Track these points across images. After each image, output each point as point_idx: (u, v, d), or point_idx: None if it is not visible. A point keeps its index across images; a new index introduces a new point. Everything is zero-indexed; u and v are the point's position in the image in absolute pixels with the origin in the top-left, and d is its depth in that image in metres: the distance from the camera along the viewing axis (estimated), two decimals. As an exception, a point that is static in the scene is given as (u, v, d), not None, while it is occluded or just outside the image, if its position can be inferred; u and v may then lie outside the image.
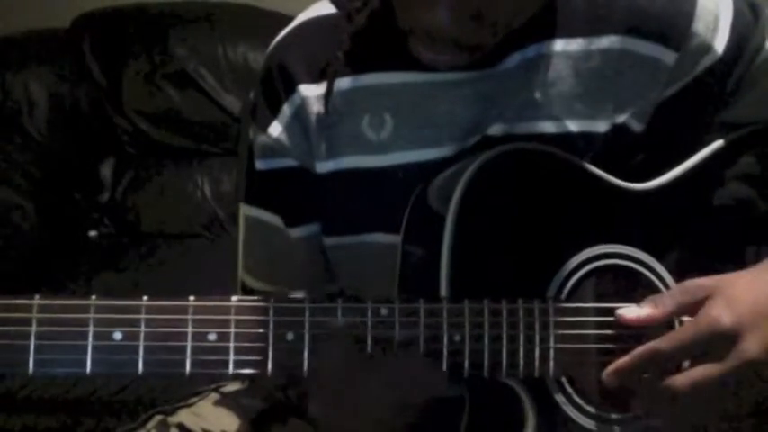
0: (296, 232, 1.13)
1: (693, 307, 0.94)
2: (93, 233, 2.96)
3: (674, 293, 0.98)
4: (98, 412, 2.32)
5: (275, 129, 1.09)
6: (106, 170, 3.02)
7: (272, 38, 1.14)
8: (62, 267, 2.65)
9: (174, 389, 2.22)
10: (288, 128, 1.09)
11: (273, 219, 1.14)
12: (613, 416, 0.99)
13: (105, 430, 2.32)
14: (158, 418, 1.22)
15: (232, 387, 1.28)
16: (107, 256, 2.81)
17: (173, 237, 2.89)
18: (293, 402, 1.20)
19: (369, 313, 0.91)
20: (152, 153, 3.01)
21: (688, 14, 1.05)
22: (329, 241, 1.12)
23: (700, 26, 1.05)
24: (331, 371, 0.90)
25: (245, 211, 1.17)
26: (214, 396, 1.26)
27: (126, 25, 3.01)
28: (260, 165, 1.12)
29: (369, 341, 0.91)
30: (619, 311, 0.96)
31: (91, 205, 2.98)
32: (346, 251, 1.11)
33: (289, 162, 1.11)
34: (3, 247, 2.59)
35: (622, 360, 0.94)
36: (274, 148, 1.10)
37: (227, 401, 1.24)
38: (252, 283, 1.18)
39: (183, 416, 1.21)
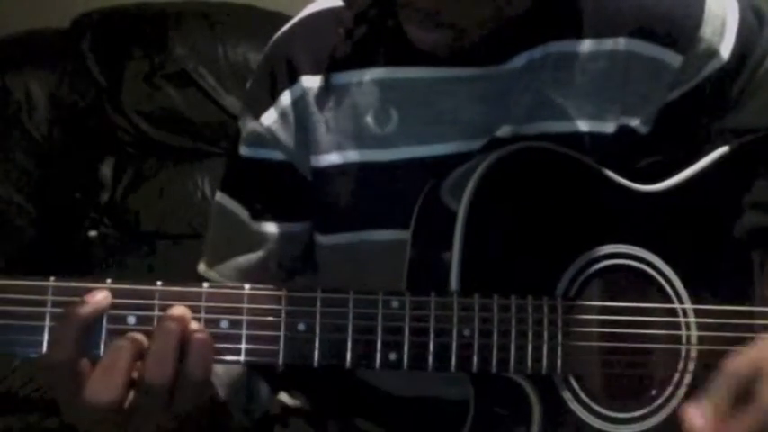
0: (261, 227, 1.13)
1: (744, 388, 0.93)
2: (93, 233, 2.95)
3: (720, 385, 0.95)
4: (98, 412, 2.31)
5: (269, 117, 1.09)
6: (106, 170, 3.01)
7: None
8: (62, 267, 2.62)
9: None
10: (283, 117, 1.09)
11: (237, 209, 1.13)
12: (619, 414, 0.99)
13: (105, 430, 2.31)
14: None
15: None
16: (107, 256, 2.82)
17: (173, 237, 2.89)
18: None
19: (380, 305, 0.91)
20: (152, 153, 3.00)
21: (696, 18, 1.05)
22: (326, 240, 1.11)
23: (707, 30, 1.05)
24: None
25: (217, 197, 1.17)
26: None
27: (126, 25, 3.00)
28: (244, 151, 1.12)
29: (379, 332, 0.91)
30: (688, 419, 0.93)
31: (91, 205, 2.97)
32: (345, 250, 1.11)
33: (275, 155, 1.10)
34: (3, 246, 2.58)
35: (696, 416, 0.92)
36: (264, 138, 1.10)
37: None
38: (204, 271, 1.18)
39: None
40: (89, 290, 0.85)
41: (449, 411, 1.00)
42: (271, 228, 1.13)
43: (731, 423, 0.92)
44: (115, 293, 0.85)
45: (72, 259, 2.74)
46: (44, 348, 0.84)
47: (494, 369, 0.93)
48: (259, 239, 1.13)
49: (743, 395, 0.93)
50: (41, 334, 0.84)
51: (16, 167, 2.77)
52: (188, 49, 2.94)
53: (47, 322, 0.84)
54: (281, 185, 1.11)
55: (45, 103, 2.90)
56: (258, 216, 1.13)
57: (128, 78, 2.95)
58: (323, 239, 1.12)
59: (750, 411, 0.91)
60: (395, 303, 0.91)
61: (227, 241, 1.16)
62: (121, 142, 3.01)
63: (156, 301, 0.86)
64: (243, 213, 1.13)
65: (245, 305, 0.88)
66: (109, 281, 0.86)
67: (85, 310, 0.84)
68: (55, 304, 0.84)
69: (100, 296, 0.85)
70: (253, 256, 1.14)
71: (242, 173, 1.13)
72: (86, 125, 2.98)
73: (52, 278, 0.86)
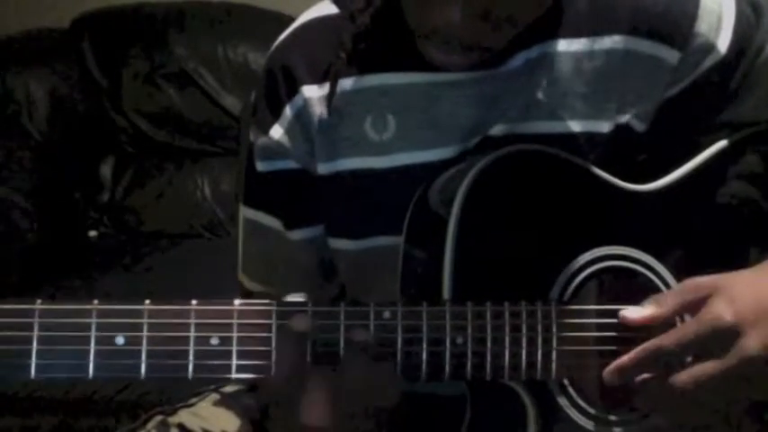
0: (296, 234, 1.13)
1: (695, 305, 0.93)
2: (93, 233, 2.96)
3: (675, 292, 0.97)
4: (98, 412, 2.32)
5: (276, 131, 1.09)
6: (106, 170, 3.02)
7: (272, 38, 1.13)
8: (62, 267, 2.64)
9: (174, 389, 2.23)
10: (289, 130, 1.09)
11: (272, 221, 1.13)
12: (615, 418, 0.98)
13: (105, 430, 2.32)
14: (158, 418, 1.21)
15: (232, 387, 1.27)
16: (107, 256, 2.81)
17: (173, 237, 2.90)
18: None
19: (371, 316, 0.91)
20: (152, 153, 3.02)
21: (691, 14, 1.05)
22: (334, 243, 1.12)
23: (703, 26, 1.05)
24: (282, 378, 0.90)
25: (244, 213, 1.17)
26: (214, 396, 1.25)
27: (126, 25, 3.02)
28: (261, 166, 1.12)
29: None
30: (622, 312, 0.96)
31: (91, 205, 2.98)
32: (351, 255, 1.11)
33: (290, 164, 1.10)
34: (3, 246, 2.59)
35: (624, 357, 0.94)
36: (276, 150, 1.10)
37: (227, 402, 1.23)
38: (249, 284, 1.18)
39: (184, 416, 1.20)
40: (76, 312, 0.85)
41: (447, 408, 1.00)
42: (304, 233, 1.13)
43: (670, 329, 0.94)
44: (103, 314, 0.85)
45: (72, 259, 2.74)
46: (32, 374, 0.84)
47: (488, 377, 0.93)
48: (298, 246, 1.14)
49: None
50: (29, 357, 0.83)
51: (16, 168, 2.77)
52: (188, 49, 2.95)
53: (34, 346, 0.83)
54: (301, 192, 1.11)
55: (45, 103, 2.91)
56: (291, 224, 1.13)
57: (128, 78, 2.97)
58: (330, 242, 1.12)
59: (692, 321, 0.93)
60: (387, 314, 0.91)
61: (268, 254, 1.16)
62: (121, 142, 3.02)
63: (144, 320, 0.85)
64: (277, 224, 1.13)
65: (235, 321, 0.87)
66: (96, 302, 0.85)
67: (305, 325, 0.89)
68: (42, 327, 0.83)
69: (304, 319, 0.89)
70: (298, 264, 1.15)
71: (264, 186, 1.13)
72: (86, 125, 2.99)
73: (38, 301, 0.84)
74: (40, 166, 2.83)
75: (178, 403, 1.24)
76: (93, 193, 2.99)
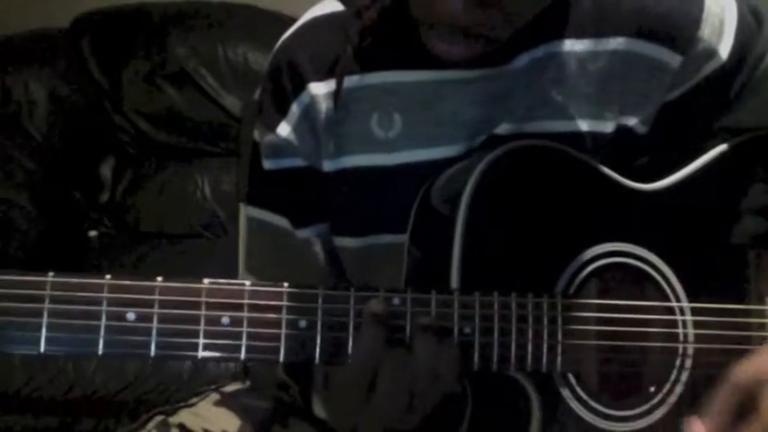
0: (304, 233, 1.13)
1: (745, 398, 0.93)
2: (93, 233, 2.96)
3: (721, 396, 0.96)
4: (98, 412, 2.32)
5: (284, 129, 1.09)
6: (106, 170, 3.02)
7: (272, 38, 1.13)
8: (62, 267, 2.61)
9: (174, 389, 2.23)
10: (296, 128, 1.08)
11: (279, 220, 1.13)
12: (618, 412, 0.99)
13: (105, 430, 2.32)
14: (159, 418, 1.20)
15: (233, 387, 1.27)
16: (107, 256, 2.82)
17: (173, 237, 2.90)
18: (295, 402, 1.21)
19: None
20: (152, 153, 3.01)
21: (695, 19, 1.06)
22: (338, 241, 1.12)
23: (706, 31, 1.06)
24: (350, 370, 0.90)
25: (249, 212, 1.16)
26: (215, 396, 1.25)
27: (126, 25, 3.01)
28: (267, 164, 1.12)
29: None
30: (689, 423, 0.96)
31: (91, 205, 2.98)
32: (353, 252, 1.11)
33: (297, 162, 1.10)
34: (3, 246, 2.58)
35: None
36: (283, 148, 1.10)
37: (227, 401, 1.23)
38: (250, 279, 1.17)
39: (184, 416, 1.20)
40: (88, 285, 0.84)
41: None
42: (311, 231, 1.13)
43: None
44: (114, 289, 0.85)
45: (72, 259, 2.75)
46: (42, 347, 0.83)
47: (495, 367, 0.93)
48: (306, 244, 1.14)
49: (747, 405, 0.93)
50: (39, 331, 0.82)
51: (16, 168, 2.77)
52: (188, 49, 2.94)
53: (44, 319, 0.82)
54: (309, 189, 1.11)
55: (45, 103, 2.91)
56: (298, 223, 1.13)
57: (128, 78, 2.96)
58: (335, 240, 1.13)
59: (752, 423, 0.92)
60: (396, 300, 0.91)
61: (274, 252, 1.16)
62: (121, 142, 3.02)
63: (155, 297, 0.85)
64: (284, 223, 1.13)
65: (246, 301, 0.87)
66: (108, 276, 0.85)
67: (384, 310, 0.89)
68: (53, 300, 0.83)
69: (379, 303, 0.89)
70: (305, 261, 1.15)
71: (271, 185, 1.13)
72: (86, 125, 2.99)
73: (50, 273, 0.84)
74: (40, 166, 2.83)
75: (179, 403, 1.24)
76: (93, 193, 2.99)
